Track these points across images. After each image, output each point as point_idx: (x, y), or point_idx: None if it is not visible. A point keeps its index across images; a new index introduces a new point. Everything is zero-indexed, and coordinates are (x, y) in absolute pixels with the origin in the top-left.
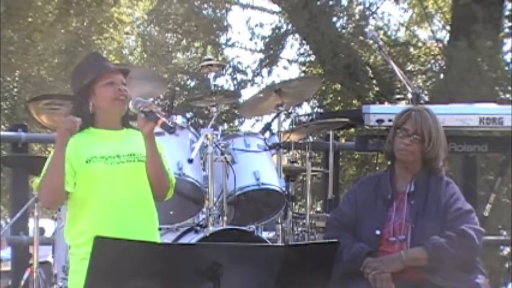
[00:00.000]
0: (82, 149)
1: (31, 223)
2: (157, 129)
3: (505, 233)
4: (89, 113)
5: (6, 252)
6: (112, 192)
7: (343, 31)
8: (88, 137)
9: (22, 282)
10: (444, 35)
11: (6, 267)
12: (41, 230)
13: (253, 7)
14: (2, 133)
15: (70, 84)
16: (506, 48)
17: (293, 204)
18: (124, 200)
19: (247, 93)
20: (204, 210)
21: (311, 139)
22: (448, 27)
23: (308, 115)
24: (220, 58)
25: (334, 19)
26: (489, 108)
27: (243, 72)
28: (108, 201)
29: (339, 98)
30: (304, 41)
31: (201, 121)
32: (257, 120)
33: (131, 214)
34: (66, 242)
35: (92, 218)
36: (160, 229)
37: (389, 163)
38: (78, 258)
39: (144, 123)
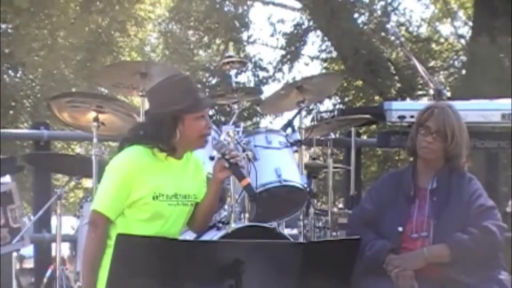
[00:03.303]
0: (151, 179)
1: (54, 220)
2: None
3: None
4: (166, 138)
5: (29, 250)
6: (169, 227)
7: (365, 27)
8: (156, 163)
9: (45, 280)
10: (466, 31)
11: (29, 264)
12: None
13: (274, 4)
14: (25, 131)
15: (150, 100)
16: None
17: (315, 201)
18: (175, 233)
19: (268, 90)
20: (226, 207)
21: (332, 135)
22: (470, 23)
23: (330, 111)
24: (241, 55)
25: (356, 15)
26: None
27: (264, 69)
28: (165, 233)
29: (360, 95)
30: (325, 38)
31: (222, 118)
32: (276, 116)
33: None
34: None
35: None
36: None
37: (411, 159)
38: None
39: (222, 170)
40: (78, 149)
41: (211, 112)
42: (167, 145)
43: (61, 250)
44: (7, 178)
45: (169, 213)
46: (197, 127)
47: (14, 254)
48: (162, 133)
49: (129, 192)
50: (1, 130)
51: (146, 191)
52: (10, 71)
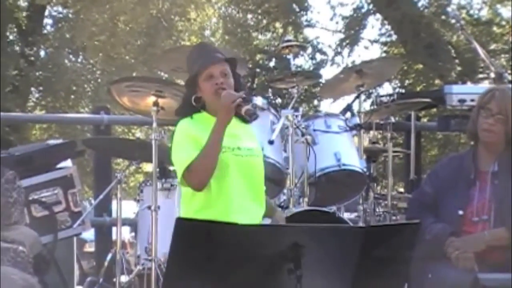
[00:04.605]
0: (206, 134)
1: (114, 204)
2: None
3: None
4: (198, 102)
5: (90, 234)
6: (240, 181)
7: (425, 10)
8: (204, 122)
9: (106, 263)
10: None
11: (91, 248)
12: None
13: None
14: (85, 115)
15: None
16: None
17: (375, 185)
18: (247, 190)
19: (326, 73)
20: (285, 191)
21: (392, 119)
22: None
23: (390, 95)
24: (300, 38)
25: None
26: None
27: (324, 53)
28: (238, 190)
29: (421, 78)
30: (385, 21)
31: (280, 101)
32: (335, 100)
33: (252, 203)
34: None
35: (227, 204)
36: None
37: (472, 143)
38: None
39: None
40: (138, 134)
41: (268, 95)
42: (202, 106)
43: (122, 234)
44: (68, 162)
45: (235, 162)
46: (207, 87)
47: (75, 238)
48: (191, 100)
49: (196, 143)
50: (63, 115)
51: None
52: (71, 56)
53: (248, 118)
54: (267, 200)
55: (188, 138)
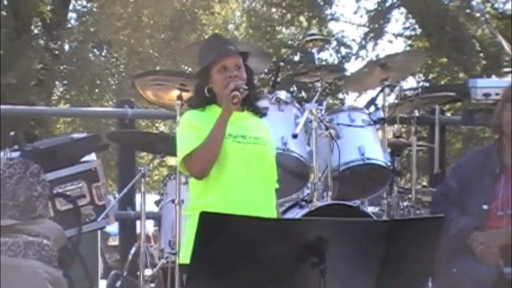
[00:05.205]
0: (211, 126)
1: (138, 198)
2: (262, 104)
3: None
4: (210, 93)
5: (114, 227)
6: (241, 169)
7: (450, 4)
8: (213, 115)
9: (130, 257)
10: None
11: (115, 241)
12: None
13: None
14: (109, 109)
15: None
16: None
17: (399, 179)
18: (250, 178)
19: (351, 67)
20: (309, 185)
21: (416, 113)
22: None
23: (414, 89)
24: (324, 32)
25: None
26: None
27: (348, 46)
28: (237, 177)
29: (445, 72)
30: (409, 15)
31: (304, 95)
32: (360, 94)
33: (256, 191)
34: (185, 213)
35: (223, 192)
36: None
37: (496, 137)
38: None
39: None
40: (162, 127)
41: (292, 89)
42: (213, 98)
43: (146, 227)
44: (92, 156)
45: (239, 150)
46: (219, 79)
47: (99, 231)
48: (203, 91)
49: (199, 133)
50: (87, 108)
51: None
52: (95, 50)
53: (232, 101)
54: None
55: (191, 128)
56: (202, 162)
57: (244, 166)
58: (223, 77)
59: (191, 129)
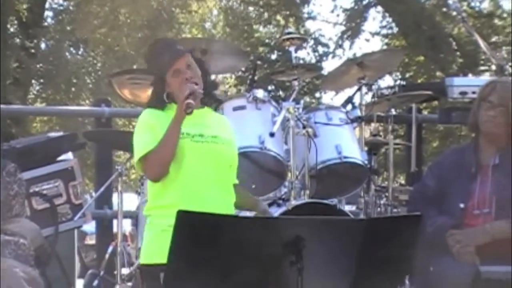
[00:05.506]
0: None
1: (115, 197)
2: (239, 103)
3: None
4: (170, 97)
5: (91, 226)
6: (198, 168)
7: (426, 2)
8: (172, 114)
9: (107, 256)
10: None
11: (92, 240)
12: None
13: None
14: (86, 108)
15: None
16: None
17: (376, 177)
18: (208, 177)
19: (328, 66)
20: (286, 183)
21: (393, 112)
22: None
23: (391, 87)
24: (301, 31)
25: None
26: None
27: (325, 45)
28: (195, 177)
29: (422, 70)
30: (386, 13)
31: (282, 94)
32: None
33: (214, 191)
34: (145, 213)
35: (180, 192)
36: None
37: (473, 135)
38: (159, 229)
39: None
40: None
41: (269, 88)
42: (172, 99)
43: (123, 226)
44: (69, 155)
45: (196, 149)
46: (176, 83)
47: (76, 230)
48: (162, 95)
49: (156, 134)
50: (64, 107)
51: None
52: (72, 49)
53: (184, 110)
54: (248, 193)
55: (148, 128)
56: (156, 165)
57: (202, 165)
58: (179, 80)
59: (148, 129)
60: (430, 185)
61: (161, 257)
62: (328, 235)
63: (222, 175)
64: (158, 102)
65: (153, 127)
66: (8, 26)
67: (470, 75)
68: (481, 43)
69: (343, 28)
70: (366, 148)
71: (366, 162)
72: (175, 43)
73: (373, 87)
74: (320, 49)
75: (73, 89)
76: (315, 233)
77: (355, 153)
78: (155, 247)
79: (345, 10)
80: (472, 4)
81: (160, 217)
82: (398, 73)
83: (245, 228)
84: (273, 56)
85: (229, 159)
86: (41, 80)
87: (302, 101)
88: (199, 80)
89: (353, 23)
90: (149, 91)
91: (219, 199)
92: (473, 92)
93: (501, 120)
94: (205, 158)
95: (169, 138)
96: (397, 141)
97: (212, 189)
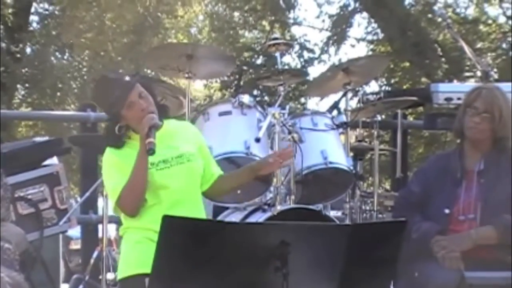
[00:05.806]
0: (133, 160)
1: (100, 202)
2: (225, 108)
3: None
4: (122, 131)
5: (76, 231)
6: (168, 191)
7: (412, 8)
8: (132, 147)
9: (92, 261)
10: None
11: (77, 245)
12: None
13: None
14: (72, 112)
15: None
16: None
17: (361, 183)
18: (179, 196)
19: (314, 71)
20: (272, 189)
21: (379, 117)
22: None
23: (376, 93)
24: (287, 36)
25: None
26: None
27: (310, 50)
28: (166, 198)
29: (407, 76)
30: (372, 19)
31: (267, 99)
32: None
33: (186, 205)
34: (120, 233)
35: (154, 212)
36: (227, 208)
37: (458, 141)
38: (133, 241)
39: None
40: None
41: (255, 93)
42: (130, 131)
43: (108, 231)
44: (54, 160)
45: (162, 176)
46: (133, 115)
47: (61, 235)
48: (112, 134)
49: (123, 171)
50: (49, 112)
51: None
52: (57, 53)
53: (147, 152)
54: (234, 171)
55: (113, 168)
56: (130, 202)
57: (171, 188)
58: (134, 113)
59: (114, 169)
60: (415, 191)
61: (138, 267)
62: (314, 241)
63: (193, 188)
64: (115, 140)
65: (118, 166)
66: None
67: (455, 81)
68: (466, 49)
69: (328, 33)
70: (351, 154)
71: (351, 167)
72: (122, 76)
73: (359, 93)
74: (306, 54)
75: (58, 93)
76: (301, 238)
77: (341, 159)
78: (131, 259)
79: (330, 16)
80: (458, 10)
81: (134, 233)
82: (383, 79)
83: (231, 234)
84: (259, 61)
85: (196, 172)
86: (27, 85)
87: (287, 107)
88: (153, 107)
89: (339, 28)
90: None
91: (192, 210)
92: (458, 98)
93: (486, 126)
94: (173, 181)
95: (137, 174)
96: (383, 146)
97: (184, 204)
